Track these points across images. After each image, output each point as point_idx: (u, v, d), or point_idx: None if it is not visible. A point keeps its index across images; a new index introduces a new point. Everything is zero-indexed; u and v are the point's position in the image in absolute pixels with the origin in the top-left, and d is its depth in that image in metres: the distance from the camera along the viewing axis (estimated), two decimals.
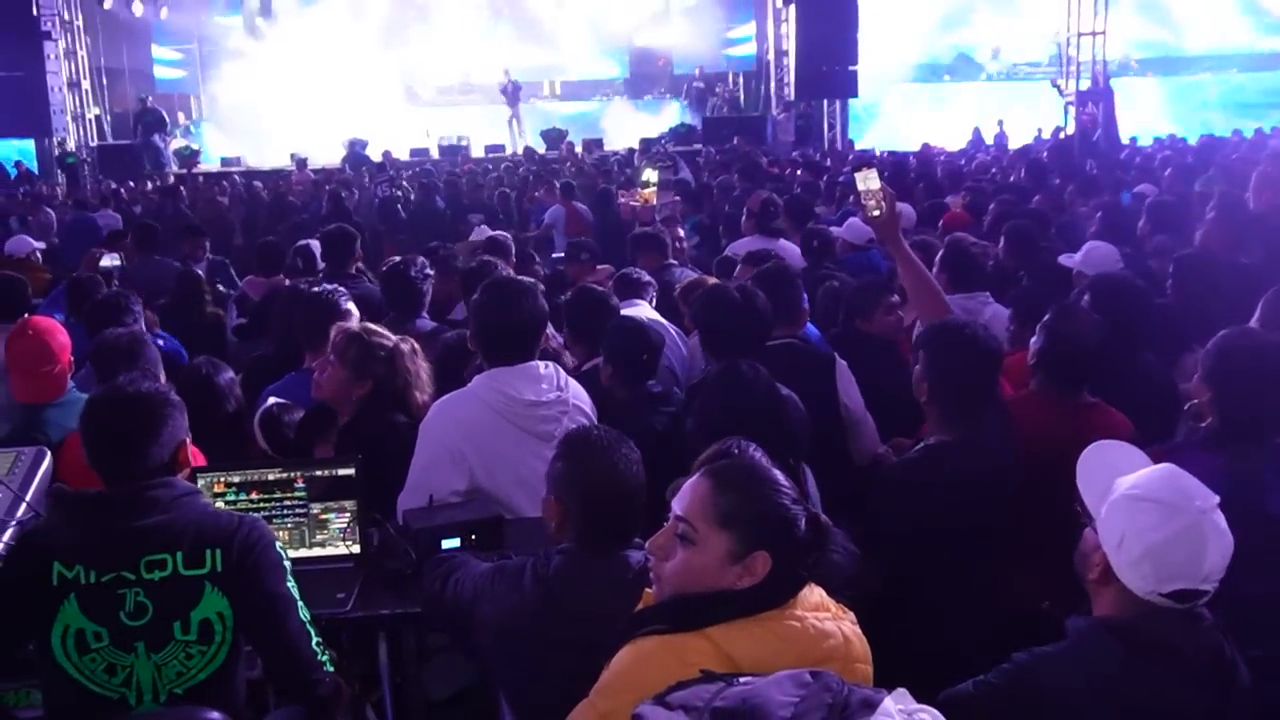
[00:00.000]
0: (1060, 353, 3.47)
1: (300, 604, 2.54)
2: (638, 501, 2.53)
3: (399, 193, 14.00)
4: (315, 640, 2.53)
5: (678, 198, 9.60)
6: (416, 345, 3.84)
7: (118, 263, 7.20)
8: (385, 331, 3.82)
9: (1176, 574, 2.01)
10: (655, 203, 8.33)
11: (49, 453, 3.02)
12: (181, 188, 15.63)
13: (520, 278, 3.95)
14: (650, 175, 8.93)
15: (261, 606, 2.50)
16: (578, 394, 3.57)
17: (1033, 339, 3.56)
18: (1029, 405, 3.46)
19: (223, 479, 3.07)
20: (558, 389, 3.46)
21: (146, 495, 2.48)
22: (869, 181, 3.85)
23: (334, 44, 26.23)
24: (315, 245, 7.02)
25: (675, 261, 6.56)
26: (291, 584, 2.54)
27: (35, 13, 19.35)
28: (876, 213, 3.84)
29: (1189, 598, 2.02)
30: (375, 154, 19.96)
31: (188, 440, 2.66)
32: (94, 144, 21.41)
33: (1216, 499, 2.04)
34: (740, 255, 5.83)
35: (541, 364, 3.49)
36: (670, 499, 2.32)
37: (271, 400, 3.99)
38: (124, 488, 2.49)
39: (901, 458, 3.50)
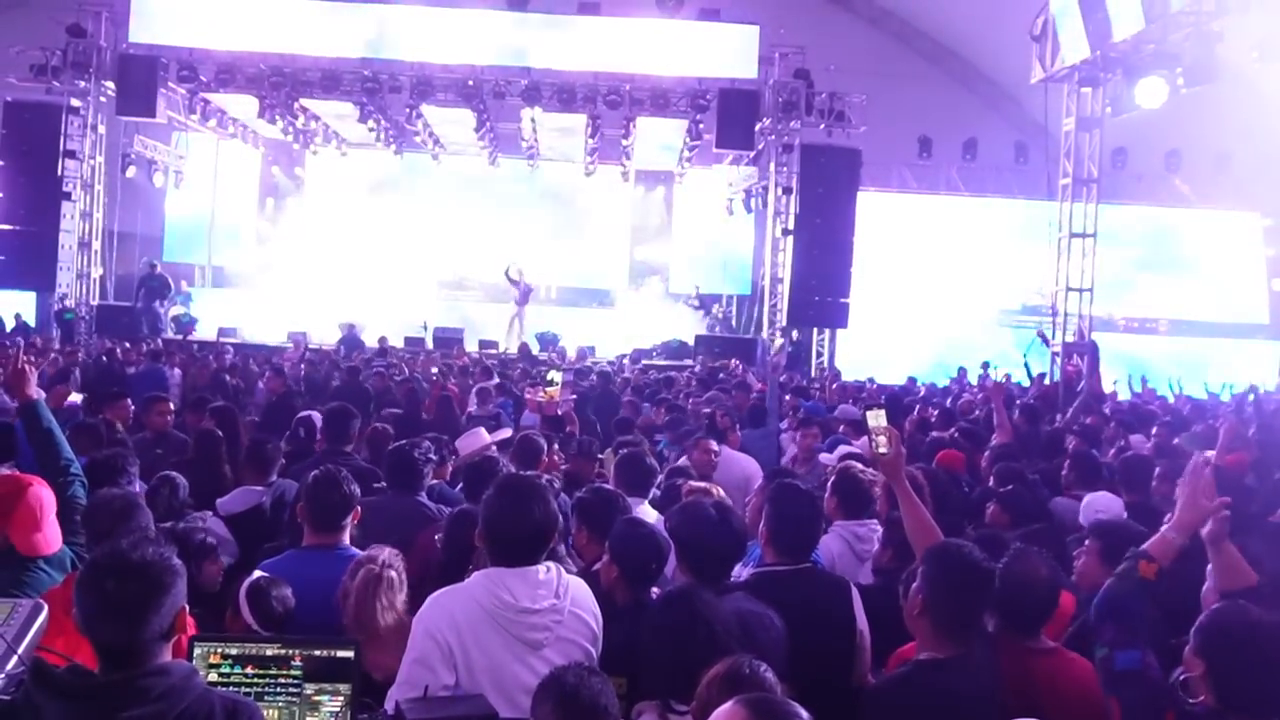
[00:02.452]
0: (1015, 596, 3.51)
1: None
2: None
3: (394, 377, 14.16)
4: None
5: (574, 396, 10.85)
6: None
7: (78, 402, 7.44)
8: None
9: None
10: (558, 399, 9.48)
11: (45, 607, 2.97)
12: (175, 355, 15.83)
13: (535, 478, 3.93)
14: (555, 376, 10.07)
15: None
16: (578, 600, 3.47)
17: None
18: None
19: (219, 650, 3.01)
20: (555, 596, 3.38)
21: (136, 685, 2.36)
22: (878, 419, 4.00)
23: (343, 228, 27.14)
24: (316, 418, 7.24)
25: None
26: None
27: (60, 173, 19.98)
28: (884, 450, 3.96)
29: None
30: (371, 339, 20.28)
31: (186, 607, 2.57)
32: (94, 302, 21.69)
33: None
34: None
35: (543, 568, 3.42)
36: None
37: (258, 573, 3.95)
38: (114, 676, 2.37)
39: (892, 674, 3.51)
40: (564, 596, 3.41)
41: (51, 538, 3.83)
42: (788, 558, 4.00)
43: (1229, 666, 2.88)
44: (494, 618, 3.31)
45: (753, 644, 3.15)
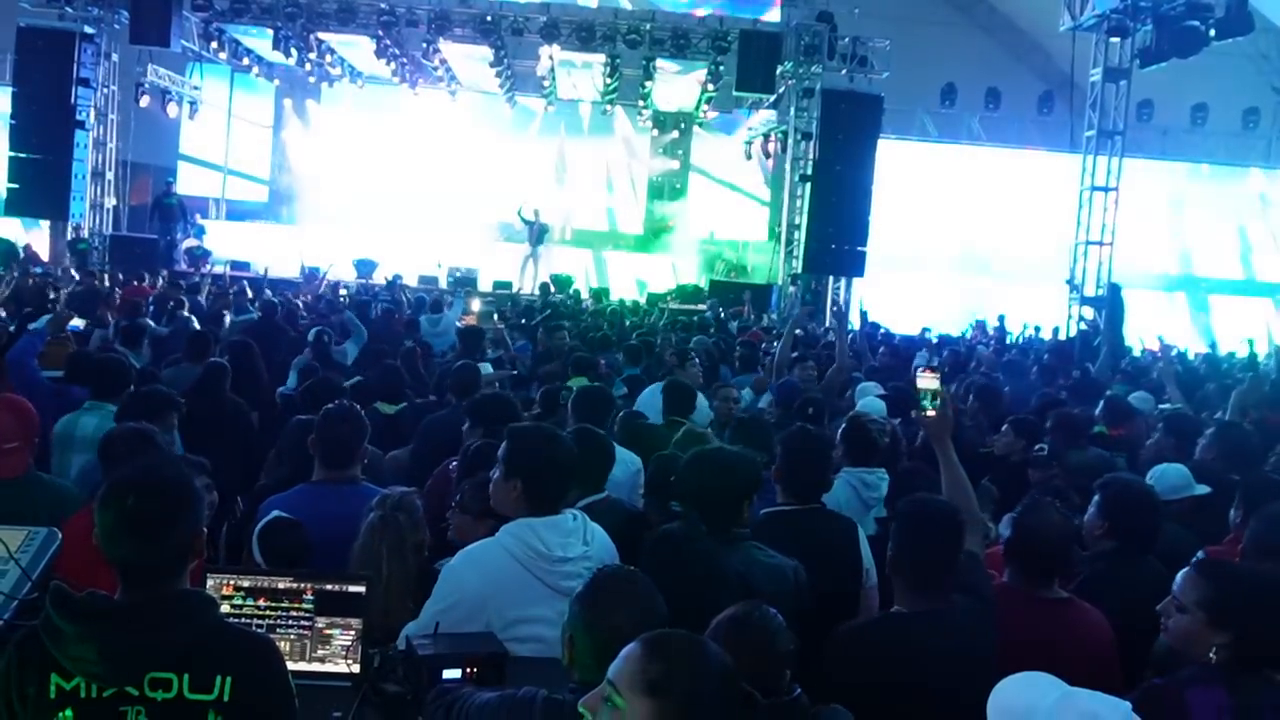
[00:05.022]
0: (1029, 545, 3.51)
1: None
2: None
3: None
4: None
5: (501, 325, 11.86)
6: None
7: (80, 327, 7.79)
8: None
9: None
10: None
11: (59, 535, 2.95)
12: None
13: (547, 426, 3.87)
14: (474, 304, 11.56)
15: None
16: (603, 545, 3.49)
17: (1001, 528, 3.60)
18: (999, 598, 3.44)
19: (232, 582, 2.99)
20: (584, 543, 3.38)
21: (159, 607, 2.34)
22: (930, 382, 3.94)
23: (357, 163, 26.97)
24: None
25: None
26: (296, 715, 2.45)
27: (73, 101, 19.82)
28: (931, 412, 3.88)
29: None
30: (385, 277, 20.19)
31: (205, 530, 2.56)
32: (107, 232, 21.62)
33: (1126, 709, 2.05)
34: None
35: (570, 515, 3.43)
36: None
37: (275, 513, 3.91)
38: (135, 595, 2.35)
39: (855, 623, 3.49)
40: (592, 543, 3.42)
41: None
42: (797, 498, 4.05)
43: (1254, 627, 2.85)
44: (527, 568, 3.28)
45: (752, 595, 3.11)
